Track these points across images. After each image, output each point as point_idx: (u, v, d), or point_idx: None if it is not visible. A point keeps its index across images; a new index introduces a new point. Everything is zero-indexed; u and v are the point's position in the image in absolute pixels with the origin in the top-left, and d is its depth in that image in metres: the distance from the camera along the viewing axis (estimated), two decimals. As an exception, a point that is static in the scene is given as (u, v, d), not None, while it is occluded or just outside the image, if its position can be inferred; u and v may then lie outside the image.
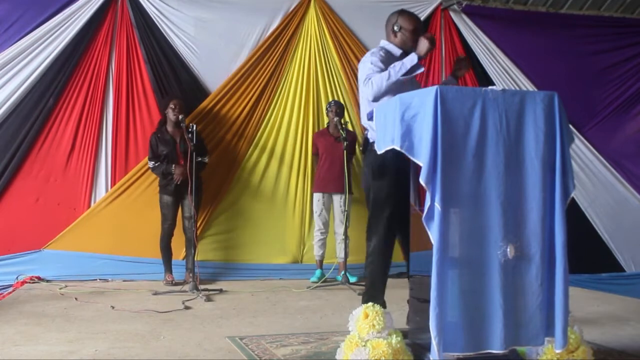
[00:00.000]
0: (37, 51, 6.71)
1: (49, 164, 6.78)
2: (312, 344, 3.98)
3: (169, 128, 6.58)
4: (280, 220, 7.29)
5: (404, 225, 3.96)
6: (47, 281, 6.44)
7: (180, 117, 6.39)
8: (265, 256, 7.18)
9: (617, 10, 8.68)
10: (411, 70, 3.87)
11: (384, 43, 4.27)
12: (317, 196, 6.93)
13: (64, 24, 6.78)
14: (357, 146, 7.09)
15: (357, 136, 7.19)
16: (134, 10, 7.01)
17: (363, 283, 6.52)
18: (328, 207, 6.92)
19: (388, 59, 4.06)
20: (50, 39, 6.74)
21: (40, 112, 6.73)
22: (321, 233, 6.90)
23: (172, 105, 6.51)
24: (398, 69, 3.87)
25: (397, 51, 4.18)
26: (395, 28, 4.21)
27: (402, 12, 4.35)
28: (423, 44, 3.86)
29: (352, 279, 6.62)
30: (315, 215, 6.95)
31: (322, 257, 6.93)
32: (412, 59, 3.86)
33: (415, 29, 4.18)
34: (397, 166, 3.90)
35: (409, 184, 3.88)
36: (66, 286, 6.18)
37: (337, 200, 6.81)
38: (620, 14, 8.71)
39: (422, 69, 3.94)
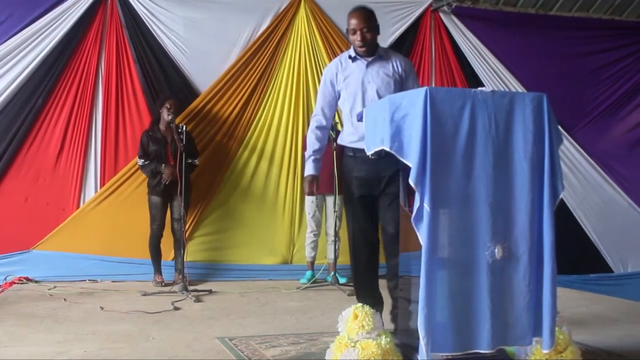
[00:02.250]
0: (26, 50, 6.69)
1: (38, 164, 6.76)
2: (301, 344, 3.98)
3: (162, 127, 6.56)
4: (270, 220, 7.29)
5: (386, 225, 4.05)
6: (36, 282, 6.42)
7: (170, 117, 6.39)
8: (254, 257, 7.18)
9: (606, 12, 8.72)
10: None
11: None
12: (311, 198, 6.90)
13: (54, 24, 6.76)
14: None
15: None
16: (124, 10, 7.00)
17: (352, 284, 6.55)
18: (321, 208, 6.92)
19: (336, 71, 4.16)
20: (40, 38, 6.72)
21: (29, 111, 6.71)
22: (314, 235, 6.89)
23: (167, 105, 6.49)
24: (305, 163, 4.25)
25: (352, 53, 4.19)
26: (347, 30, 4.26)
27: (349, 13, 4.30)
28: None
29: (342, 280, 6.62)
30: (309, 217, 6.94)
31: (314, 258, 6.92)
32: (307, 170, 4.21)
33: (351, 28, 4.15)
34: (350, 175, 4.09)
35: (368, 188, 4.02)
36: (55, 287, 6.16)
37: (331, 201, 6.80)
38: (609, 16, 8.75)
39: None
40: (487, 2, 8.27)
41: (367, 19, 4.16)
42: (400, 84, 4.15)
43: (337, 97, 4.19)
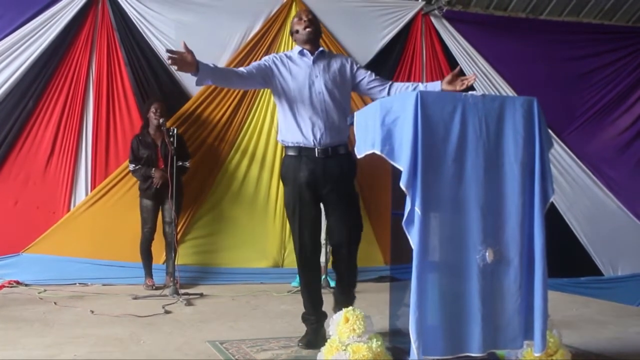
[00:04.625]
0: (16, 53, 6.67)
1: (28, 166, 6.73)
2: (292, 348, 3.99)
3: (151, 131, 6.55)
4: (261, 224, 7.28)
5: (334, 232, 4.13)
6: (26, 285, 6.40)
7: (160, 120, 6.37)
8: (245, 260, 7.17)
9: (595, 16, 8.77)
10: None
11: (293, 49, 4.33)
12: None
13: (44, 26, 6.74)
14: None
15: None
16: (115, 12, 6.99)
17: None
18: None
19: (281, 60, 4.17)
20: (31, 40, 6.70)
21: (19, 114, 6.69)
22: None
23: (153, 109, 6.49)
24: None
25: (296, 50, 4.23)
26: (291, 34, 4.32)
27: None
28: None
29: (333, 284, 6.60)
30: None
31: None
32: None
33: (297, 19, 4.23)
34: (295, 170, 4.04)
35: (314, 189, 4.03)
36: (45, 290, 6.14)
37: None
38: (599, 21, 8.81)
39: None
40: (478, 6, 8.30)
41: (312, 14, 4.30)
42: (350, 78, 4.21)
43: (268, 79, 4.12)
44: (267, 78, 4.11)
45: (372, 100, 4.02)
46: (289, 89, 4.09)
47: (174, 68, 3.71)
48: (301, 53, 4.18)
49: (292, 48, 7.35)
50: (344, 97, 4.18)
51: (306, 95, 4.05)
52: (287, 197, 4.15)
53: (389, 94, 4.16)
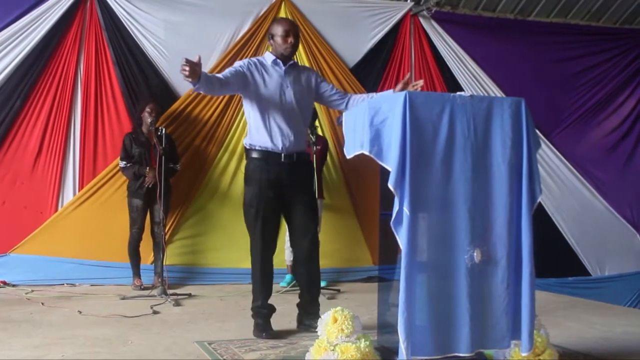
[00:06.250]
0: (4, 52, 6.64)
1: (16, 166, 6.70)
2: (281, 348, 3.98)
3: (144, 130, 6.54)
4: (250, 224, 7.26)
5: (299, 233, 4.40)
6: (13, 286, 6.36)
7: (149, 120, 6.37)
8: (234, 260, 7.12)
9: (583, 18, 8.82)
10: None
11: (266, 53, 4.47)
12: None
13: (32, 25, 6.71)
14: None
15: (327, 141, 7.22)
16: (103, 12, 6.96)
17: (332, 287, 6.56)
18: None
19: (256, 67, 4.30)
20: (18, 40, 6.67)
21: (7, 114, 6.66)
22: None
23: (148, 109, 6.48)
24: None
25: (270, 58, 4.37)
26: (269, 37, 4.43)
27: (275, 20, 4.70)
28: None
29: (322, 284, 6.61)
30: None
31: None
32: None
33: (284, 32, 4.33)
34: (261, 173, 4.26)
35: (278, 191, 4.26)
36: (32, 291, 6.11)
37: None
38: (587, 22, 8.86)
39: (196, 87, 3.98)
40: (466, 7, 8.33)
41: (298, 30, 4.46)
42: (314, 90, 4.44)
43: (245, 85, 4.24)
44: (245, 84, 4.26)
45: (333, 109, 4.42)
46: (261, 96, 4.27)
47: (183, 74, 3.80)
48: (275, 62, 4.35)
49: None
50: (309, 107, 4.50)
51: (277, 103, 4.26)
52: (250, 197, 4.37)
53: (346, 106, 4.40)
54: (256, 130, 4.30)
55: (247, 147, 4.37)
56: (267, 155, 4.27)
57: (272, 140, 4.25)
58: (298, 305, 4.57)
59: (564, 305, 5.94)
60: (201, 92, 4.15)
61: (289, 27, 4.36)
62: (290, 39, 4.31)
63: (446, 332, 3.04)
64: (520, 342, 3.17)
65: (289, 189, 4.30)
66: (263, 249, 4.37)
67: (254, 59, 4.41)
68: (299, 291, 4.63)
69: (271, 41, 4.38)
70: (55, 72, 6.82)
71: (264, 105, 4.26)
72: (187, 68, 3.76)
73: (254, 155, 4.32)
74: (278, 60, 4.33)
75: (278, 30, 4.34)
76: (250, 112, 4.35)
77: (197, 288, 6.50)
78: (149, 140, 6.48)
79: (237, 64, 4.32)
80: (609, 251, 8.46)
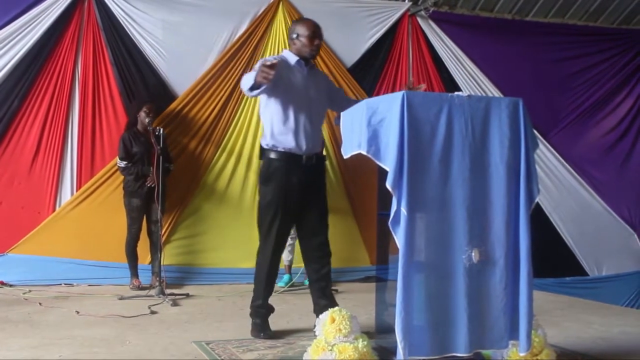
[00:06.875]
0: (1, 52, 6.62)
1: (13, 166, 6.68)
2: (278, 348, 3.98)
3: (141, 129, 6.54)
4: (247, 224, 7.20)
5: (310, 233, 4.40)
6: (11, 286, 6.35)
7: (147, 120, 6.37)
8: (232, 260, 7.13)
9: (580, 18, 8.83)
10: (254, 87, 3.97)
11: (284, 52, 4.47)
12: None
13: (30, 25, 6.68)
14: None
15: (324, 141, 7.21)
16: (101, 12, 6.94)
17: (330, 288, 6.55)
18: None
19: (284, 66, 4.22)
20: (16, 39, 6.65)
21: (4, 114, 6.64)
22: (291, 238, 6.83)
23: (146, 109, 6.48)
24: (247, 80, 4.03)
25: (293, 58, 4.33)
26: (293, 36, 4.36)
27: (300, 20, 4.65)
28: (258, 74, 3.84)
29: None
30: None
31: (291, 262, 6.91)
32: (250, 77, 3.96)
33: (311, 33, 4.31)
34: (282, 175, 4.22)
35: (298, 193, 4.23)
36: (30, 291, 6.11)
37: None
38: (584, 22, 8.86)
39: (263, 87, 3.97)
40: (464, 7, 8.33)
41: (322, 31, 4.42)
42: (330, 96, 4.45)
43: (276, 83, 4.06)
44: (276, 82, 4.08)
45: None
46: (288, 96, 4.21)
47: (267, 77, 3.79)
48: (298, 63, 4.31)
49: (280, 48, 7.42)
50: (325, 110, 4.51)
51: (302, 104, 4.22)
52: (270, 197, 4.28)
53: None
54: (279, 131, 4.22)
55: (267, 147, 4.28)
56: (289, 157, 4.21)
57: (296, 142, 4.19)
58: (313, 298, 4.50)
59: (561, 305, 5.94)
60: (255, 94, 4.11)
61: (316, 29, 4.33)
62: (317, 41, 4.29)
63: (444, 332, 3.05)
64: (518, 342, 3.18)
65: (307, 191, 4.28)
66: (275, 250, 4.35)
67: (278, 57, 4.35)
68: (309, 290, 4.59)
69: (295, 41, 4.30)
70: (53, 72, 6.81)
71: (291, 106, 4.19)
72: (273, 72, 3.77)
73: (274, 156, 4.24)
74: (301, 61, 4.29)
75: (304, 31, 4.28)
76: (272, 112, 4.25)
77: (195, 288, 6.50)
78: (148, 139, 6.47)
79: (269, 59, 4.16)
80: (606, 251, 8.46)
